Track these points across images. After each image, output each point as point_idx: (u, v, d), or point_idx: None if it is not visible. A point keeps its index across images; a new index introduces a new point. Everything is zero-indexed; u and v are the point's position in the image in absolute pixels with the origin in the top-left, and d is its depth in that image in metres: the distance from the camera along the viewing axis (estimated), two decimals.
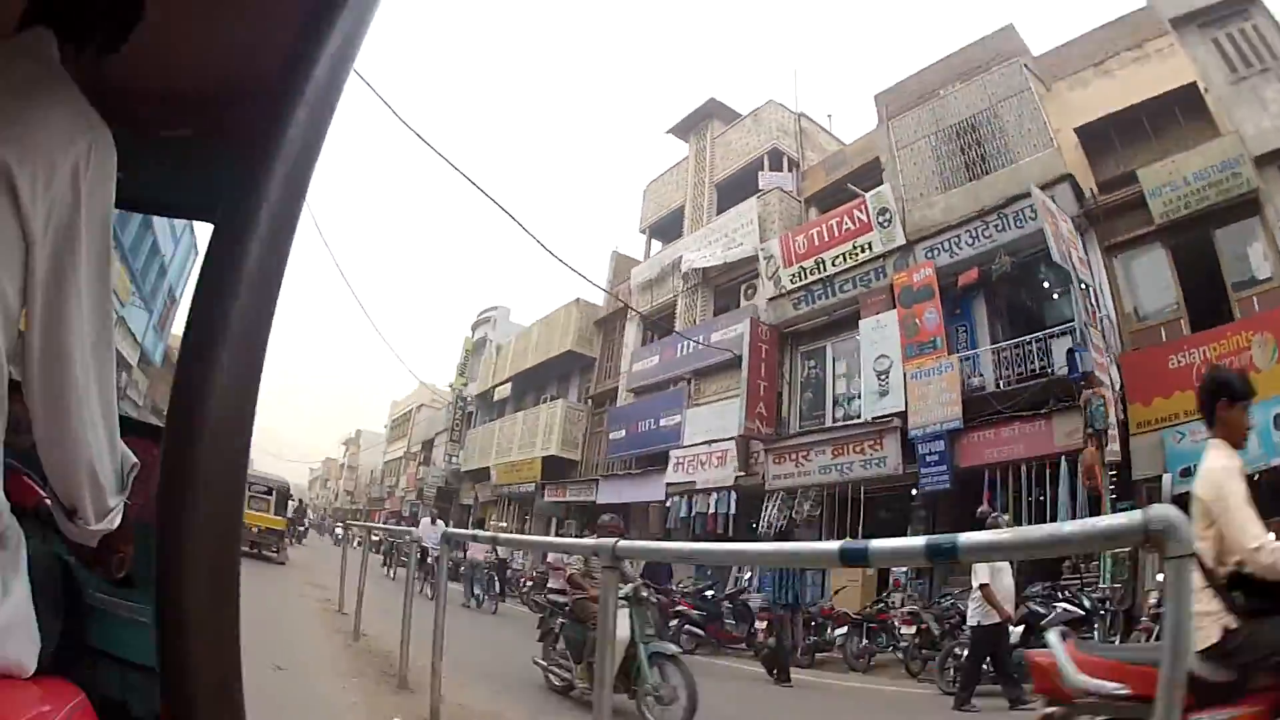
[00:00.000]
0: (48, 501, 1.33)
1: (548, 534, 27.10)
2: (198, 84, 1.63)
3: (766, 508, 18.77)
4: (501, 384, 36.34)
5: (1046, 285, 16.25)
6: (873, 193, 18.38)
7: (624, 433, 24.60)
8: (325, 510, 66.67)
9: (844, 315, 19.15)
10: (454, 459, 39.96)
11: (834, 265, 19.03)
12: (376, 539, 23.24)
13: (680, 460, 21.73)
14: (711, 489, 20.41)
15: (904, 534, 15.19)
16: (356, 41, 1.21)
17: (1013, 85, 16.67)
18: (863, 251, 18.47)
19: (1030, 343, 15.27)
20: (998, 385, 15.59)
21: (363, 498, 71.37)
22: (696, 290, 23.79)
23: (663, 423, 22.96)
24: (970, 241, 16.31)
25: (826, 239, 19.30)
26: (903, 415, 16.52)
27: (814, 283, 19.44)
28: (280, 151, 1.21)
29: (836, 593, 15.20)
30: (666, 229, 27.08)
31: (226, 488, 1.00)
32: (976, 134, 17.12)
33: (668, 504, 21.53)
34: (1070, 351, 13.87)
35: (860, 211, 18.60)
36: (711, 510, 20.01)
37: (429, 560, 16.55)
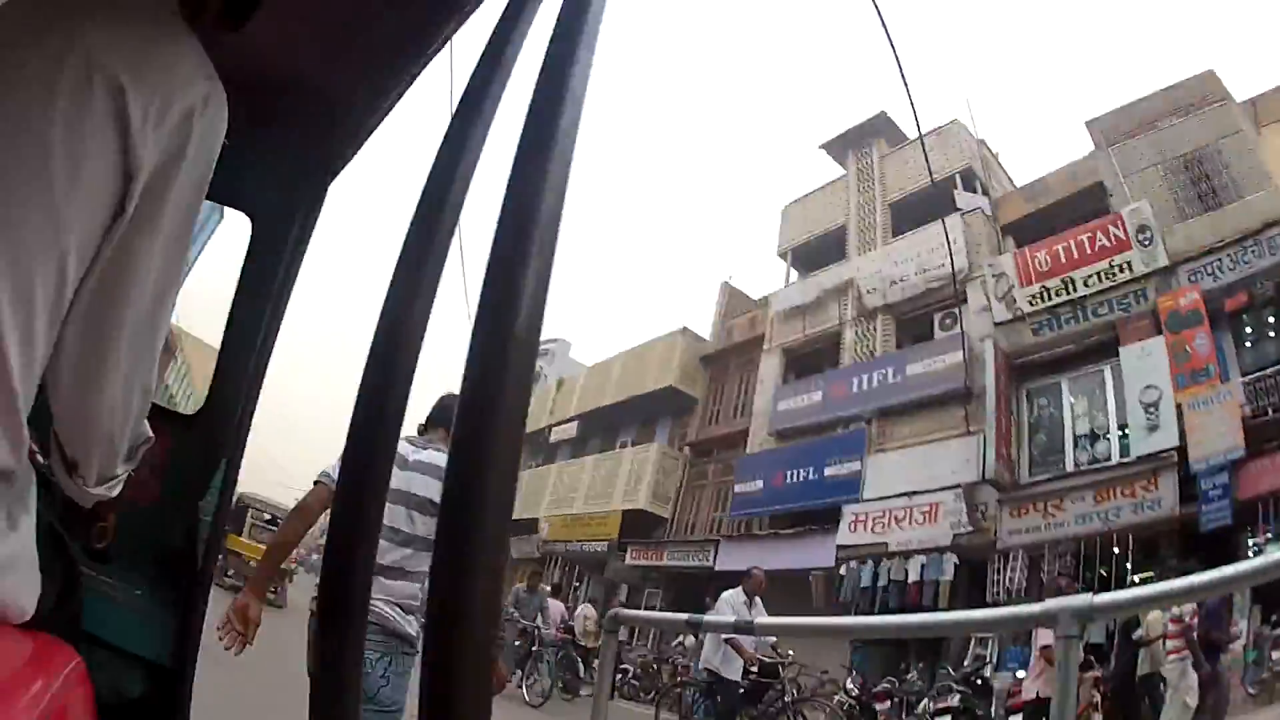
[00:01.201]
0: (41, 459, 1.25)
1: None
2: (265, 70, 1.56)
3: (998, 570, 15.78)
4: (563, 423, 32.42)
5: None
6: (1130, 208, 16.44)
7: (760, 484, 20.94)
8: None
9: (1090, 345, 16.60)
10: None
11: (1086, 286, 16.60)
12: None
13: (860, 518, 18.30)
14: (914, 551, 17.01)
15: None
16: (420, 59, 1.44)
17: (1227, 125, 16.33)
18: (1122, 271, 16.26)
19: None
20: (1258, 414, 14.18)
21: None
22: (873, 318, 20.76)
23: (829, 473, 19.43)
24: (1231, 266, 15.17)
25: (1076, 256, 16.92)
26: (1179, 450, 14.31)
27: (1061, 305, 16.91)
28: (326, 148, 1.65)
29: None
30: (815, 254, 24.10)
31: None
32: (1203, 168, 16.45)
33: (841, 571, 17.95)
34: None
35: (1116, 228, 16.52)
36: (916, 578, 16.65)
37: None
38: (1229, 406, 14.19)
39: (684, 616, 3.29)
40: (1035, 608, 2.34)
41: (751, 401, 23.67)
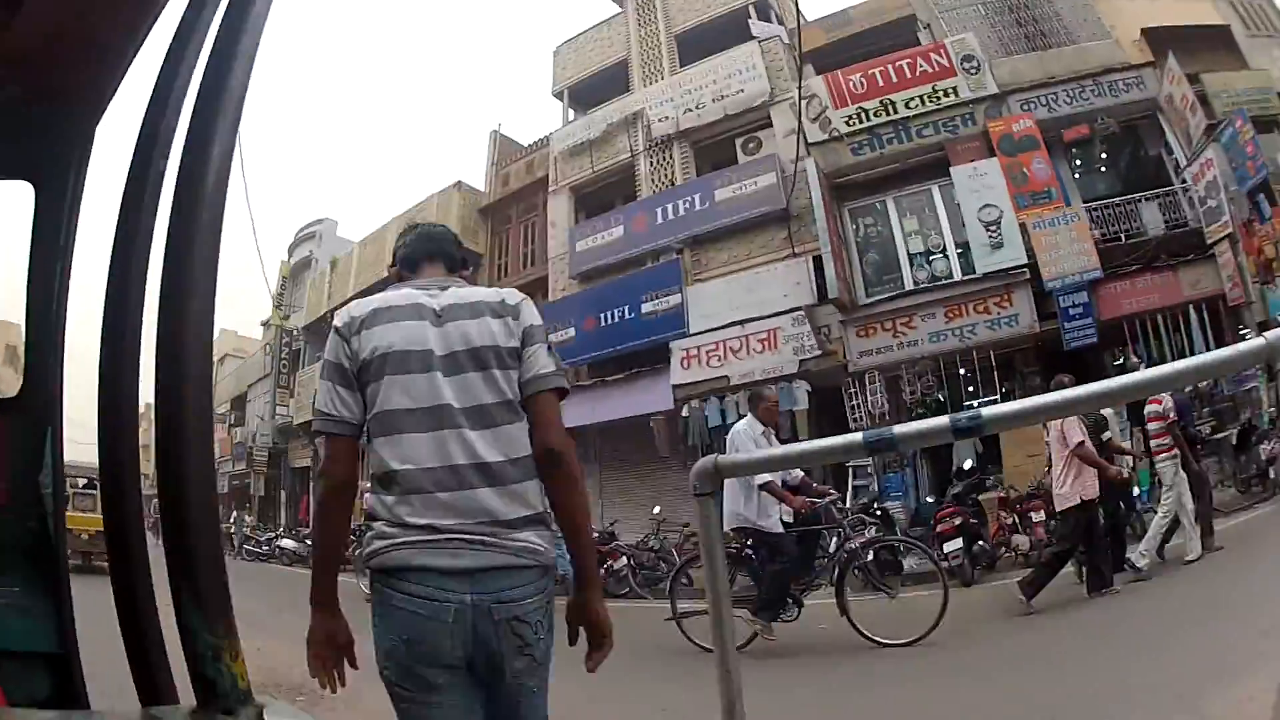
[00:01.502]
0: None
1: None
2: (35, 42, 1.56)
3: (855, 395, 15.08)
4: (344, 305, 27.85)
5: (1139, 151, 16.06)
6: (954, 38, 16.21)
7: (571, 332, 18.44)
8: None
9: (913, 165, 16.08)
10: (284, 411, 30.99)
11: (909, 108, 16.00)
12: None
13: (691, 353, 16.66)
14: (759, 382, 15.38)
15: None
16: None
17: None
18: (946, 96, 15.88)
19: (1137, 200, 14.96)
20: (1109, 239, 14.73)
21: (155, 476, 64.32)
22: (669, 147, 18.81)
23: (646, 309, 17.41)
24: (1069, 101, 15.48)
25: (895, 80, 16.26)
26: (1030, 268, 14.34)
27: (881, 125, 16.14)
28: (90, 91, 1.63)
29: None
30: (595, 90, 21.29)
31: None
32: (1030, 12, 16.85)
33: (684, 412, 16.24)
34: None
35: (939, 55, 16.14)
36: None
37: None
38: (1079, 228, 14.38)
39: (858, 436, 2.03)
40: (1254, 344, 1.69)
41: (543, 248, 21.12)
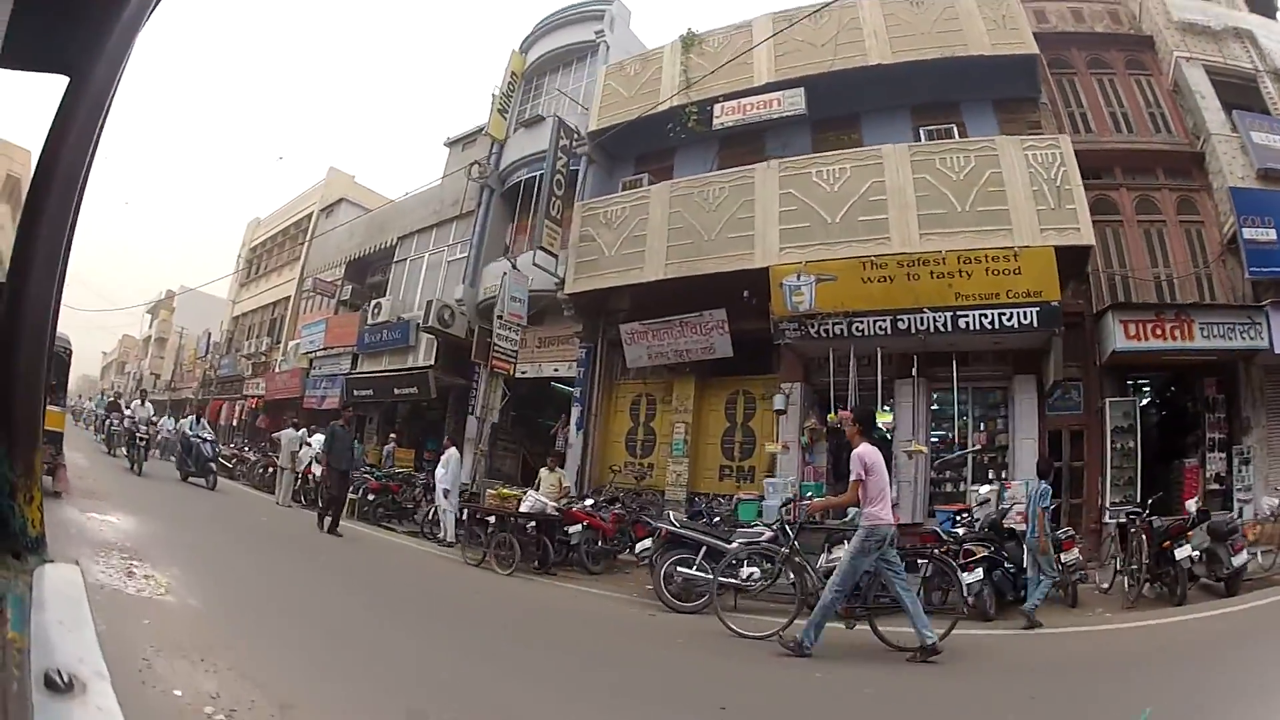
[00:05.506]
0: None
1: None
2: None
3: None
4: (748, 95, 15.21)
5: None
6: None
7: (1274, 234, 12.66)
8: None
9: None
10: (549, 259, 16.37)
11: None
12: None
13: None
14: None
15: None
16: None
17: None
18: None
19: None
20: None
21: (192, 380, 40.61)
22: None
23: None
24: None
25: None
26: None
27: None
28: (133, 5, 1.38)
29: None
30: None
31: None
32: None
33: None
34: None
35: None
36: None
37: None
38: None
39: None
40: None
41: (1140, 115, 14.49)
